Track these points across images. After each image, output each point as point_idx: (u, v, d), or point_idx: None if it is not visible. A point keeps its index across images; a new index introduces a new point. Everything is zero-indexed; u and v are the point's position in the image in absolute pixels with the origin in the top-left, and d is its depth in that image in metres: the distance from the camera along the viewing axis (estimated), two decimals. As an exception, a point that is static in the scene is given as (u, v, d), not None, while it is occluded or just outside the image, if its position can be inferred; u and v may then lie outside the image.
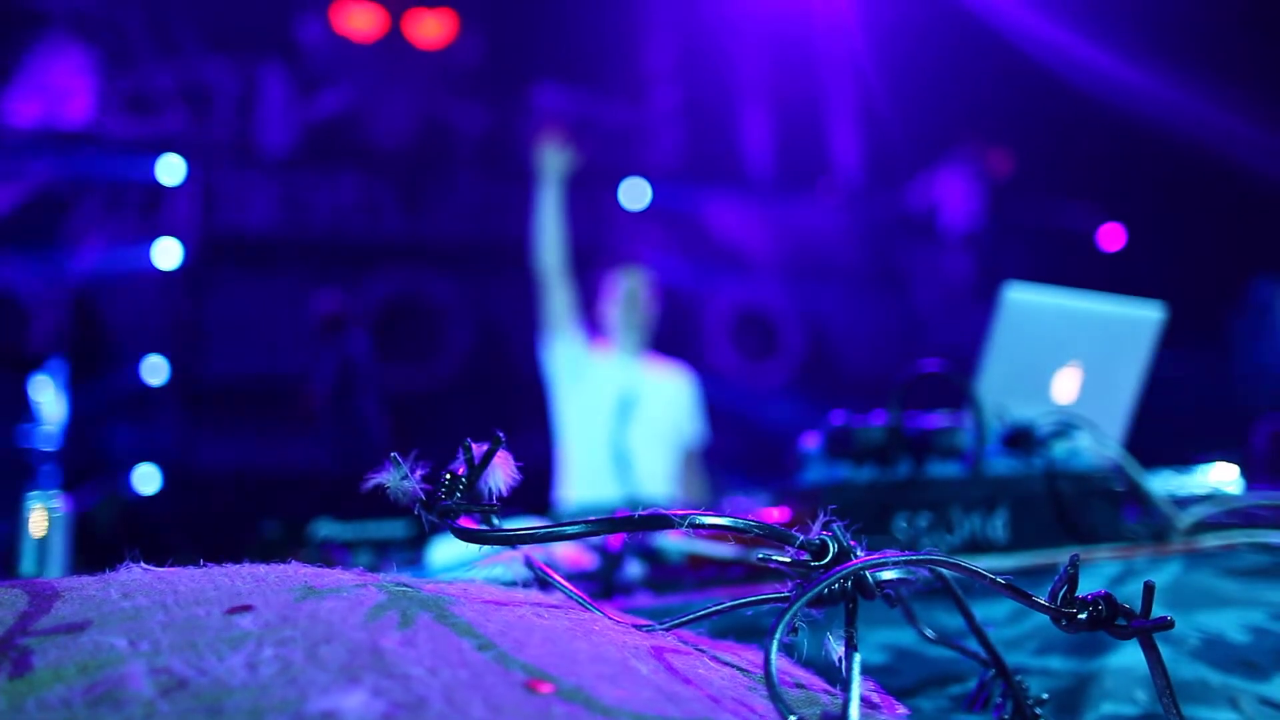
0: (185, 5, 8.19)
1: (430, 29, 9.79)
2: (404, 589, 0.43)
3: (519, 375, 8.52)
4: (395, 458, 0.49)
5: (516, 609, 0.46)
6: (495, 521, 0.52)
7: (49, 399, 4.62)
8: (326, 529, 1.30)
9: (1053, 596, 0.49)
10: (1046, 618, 0.69)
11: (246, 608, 0.40)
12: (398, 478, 0.48)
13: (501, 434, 0.50)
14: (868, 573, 0.45)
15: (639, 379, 3.03)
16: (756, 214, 9.62)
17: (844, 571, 0.43)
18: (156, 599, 0.42)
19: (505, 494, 0.50)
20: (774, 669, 0.41)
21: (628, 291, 3.10)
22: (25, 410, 6.89)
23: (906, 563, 0.44)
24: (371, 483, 0.49)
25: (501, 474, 0.50)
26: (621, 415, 2.93)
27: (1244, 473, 1.71)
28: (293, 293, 8.24)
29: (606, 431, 2.91)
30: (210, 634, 0.38)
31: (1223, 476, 1.67)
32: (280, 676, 0.36)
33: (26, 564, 1.21)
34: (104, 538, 2.32)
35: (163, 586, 0.44)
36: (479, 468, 0.48)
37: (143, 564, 0.49)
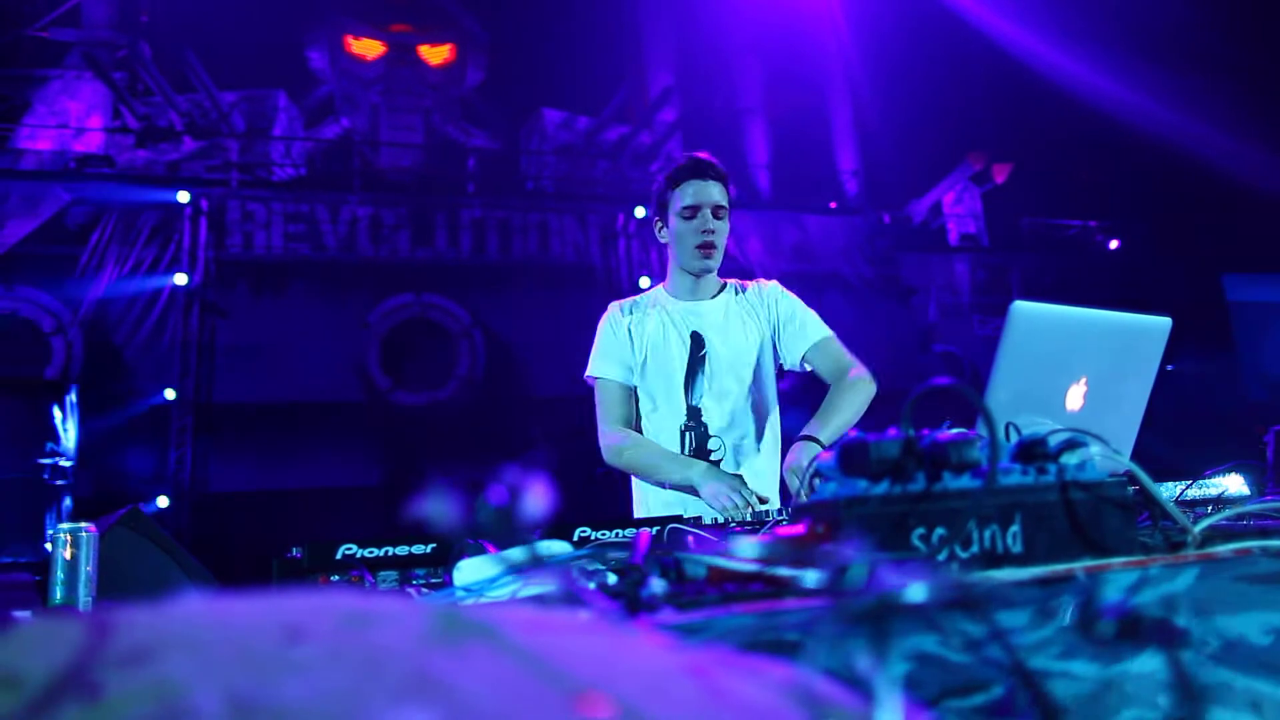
0: (196, 37, 8.31)
1: (435, 58, 9.89)
2: (450, 613, 0.45)
3: (528, 390, 8.55)
4: (437, 485, 0.51)
5: (558, 628, 0.47)
6: (530, 546, 0.54)
7: (67, 424, 4.65)
8: (349, 548, 1.32)
9: (1078, 611, 0.51)
10: (1068, 623, 0.70)
11: (303, 634, 0.42)
12: (439, 505, 0.50)
13: (539, 460, 0.53)
14: (896, 591, 0.47)
15: (705, 314, 2.42)
16: (761, 229, 9.66)
17: (873, 593, 0.45)
18: (215, 628, 0.44)
19: (540, 520, 0.52)
20: (805, 684, 0.43)
21: (687, 209, 2.34)
22: (44, 436, 6.93)
23: (932, 585, 0.45)
24: (414, 510, 0.51)
25: (535, 501, 0.52)
26: (690, 370, 2.36)
27: (1257, 479, 1.72)
28: (303, 314, 8.31)
29: (675, 399, 2.35)
30: (271, 660, 0.40)
31: (1235, 484, 1.68)
32: (340, 700, 0.38)
33: (58, 591, 1.23)
34: (128, 555, 2.34)
35: (220, 615, 0.46)
36: (517, 496, 0.50)
37: (195, 594, 0.51)
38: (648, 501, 2.42)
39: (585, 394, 2.51)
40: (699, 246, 2.36)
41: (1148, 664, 0.69)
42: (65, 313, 7.68)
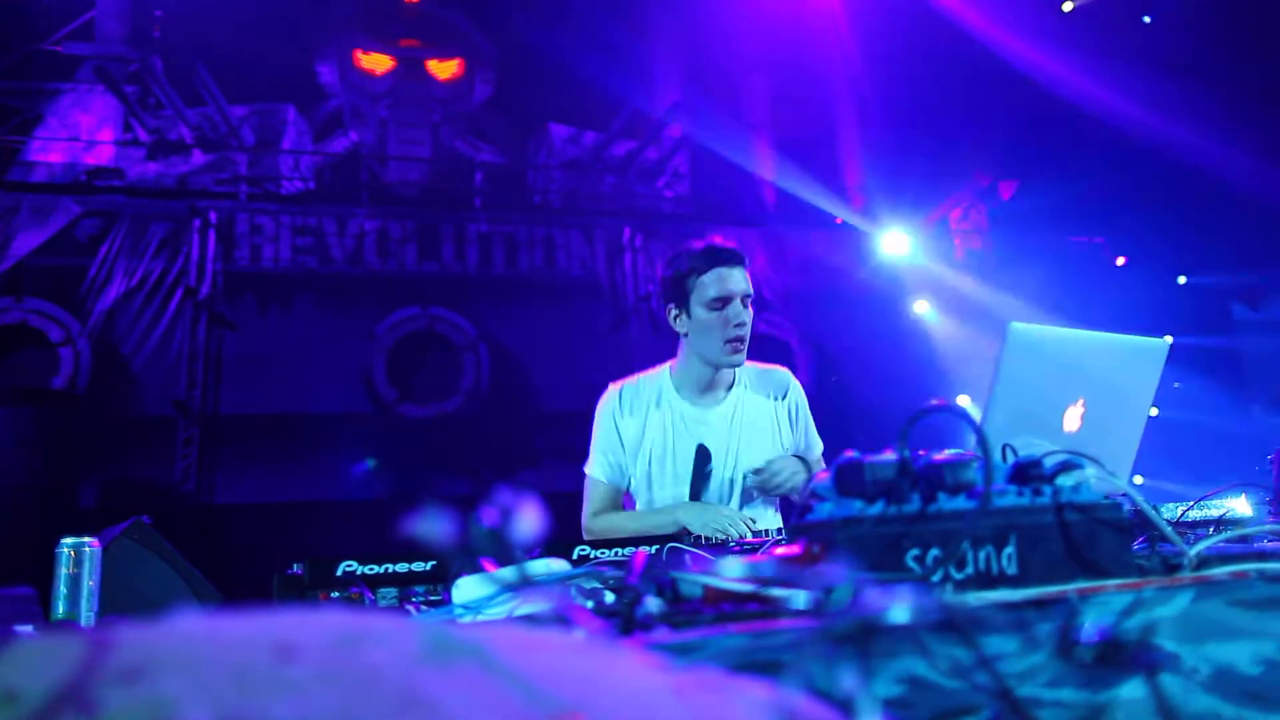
0: (207, 52, 8.40)
1: (443, 73, 9.96)
2: (442, 633, 0.46)
3: (533, 404, 8.56)
4: (431, 504, 0.52)
5: (547, 648, 0.48)
6: (521, 565, 0.55)
7: (77, 435, 4.69)
8: (349, 565, 1.32)
9: (1057, 634, 0.51)
10: (1057, 650, 0.71)
11: (295, 654, 0.43)
12: (433, 525, 0.51)
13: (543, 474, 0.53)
14: (879, 612, 0.47)
15: (713, 424, 2.30)
16: (767, 245, 9.68)
17: (856, 614, 0.46)
18: (210, 647, 0.45)
19: (532, 540, 0.53)
20: (789, 703, 0.43)
21: (716, 300, 2.20)
22: (52, 446, 6.95)
23: (914, 606, 0.46)
24: (408, 529, 0.52)
25: (529, 521, 0.53)
26: (694, 484, 2.26)
27: (1259, 501, 1.72)
28: (310, 327, 8.34)
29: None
30: (262, 680, 0.41)
31: (1234, 506, 1.68)
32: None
33: (60, 605, 1.24)
34: (131, 567, 2.36)
35: (214, 634, 0.47)
36: (509, 516, 0.51)
37: (193, 610, 0.52)
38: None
39: (590, 409, 2.49)
40: (729, 341, 2.20)
41: (1138, 690, 0.70)
42: (74, 324, 7.73)
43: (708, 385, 2.31)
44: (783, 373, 2.41)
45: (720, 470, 2.26)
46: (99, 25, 8.47)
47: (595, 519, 2.35)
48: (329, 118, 9.60)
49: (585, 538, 2.33)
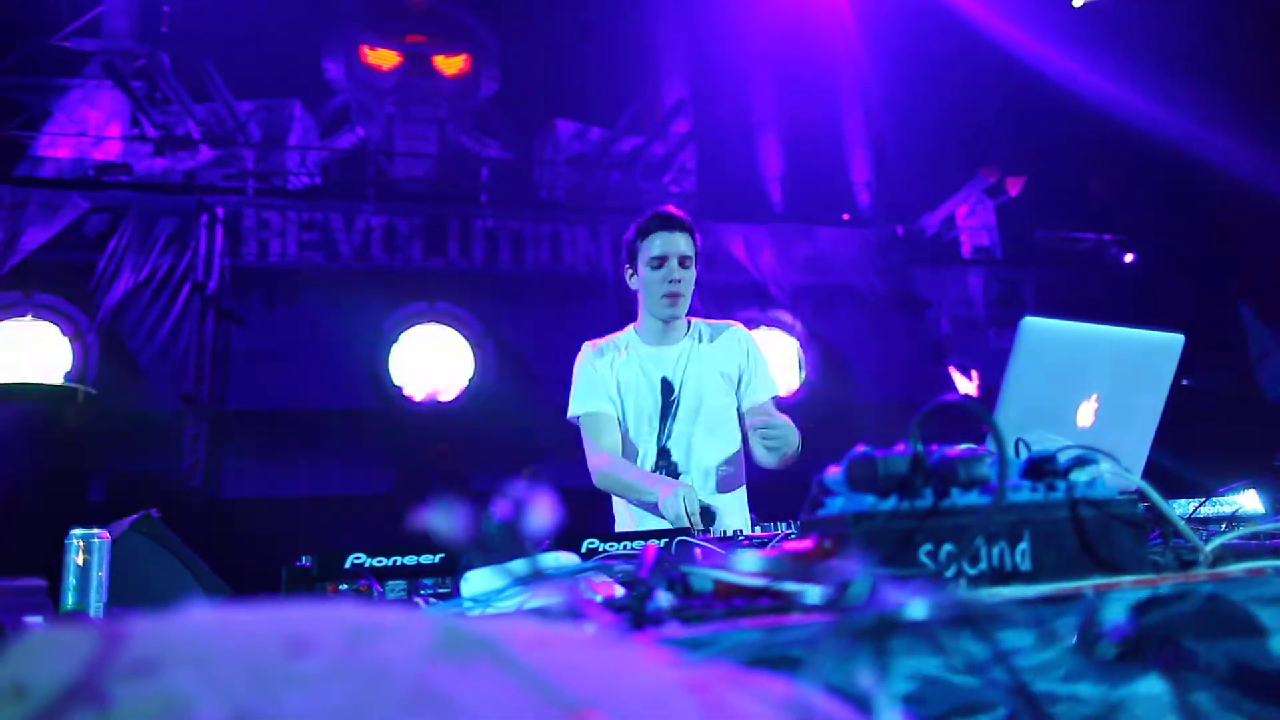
0: (214, 47, 8.40)
1: (450, 69, 9.94)
2: (455, 627, 0.46)
3: (539, 400, 8.56)
4: (443, 497, 0.52)
5: (560, 643, 0.48)
6: (534, 558, 0.55)
7: (82, 431, 4.70)
8: (357, 558, 1.32)
9: (1079, 630, 0.50)
10: (1073, 645, 0.70)
11: (308, 648, 0.43)
12: (445, 518, 0.50)
13: (540, 474, 0.53)
14: (897, 607, 0.47)
15: (672, 360, 2.56)
16: (773, 241, 9.65)
17: (873, 610, 0.45)
18: (222, 640, 0.45)
19: (547, 533, 0.52)
20: (807, 700, 0.43)
21: (655, 260, 2.51)
22: (58, 442, 6.97)
23: (934, 601, 0.45)
24: (420, 522, 0.52)
25: (543, 515, 0.52)
26: (662, 414, 2.51)
27: (1273, 497, 1.71)
28: (317, 322, 8.34)
29: (647, 441, 2.50)
30: (275, 674, 0.41)
31: (1249, 502, 1.67)
32: (343, 715, 0.38)
33: (70, 596, 1.24)
34: (141, 560, 2.37)
35: (227, 627, 0.46)
36: (522, 510, 0.50)
37: (204, 603, 0.51)
38: (622, 515, 2.53)
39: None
40: (665, 295, 2.51)
41: (1155, 686, 0.69)
42: (82, 318, 7.75)
43: (663, 333, 2.59)
44: (734, 327, 2.66)
45: (682, 400, 2.52)
46: (107, 21, 8.47)
47: (600, 453, 2.49)
48: (336, 113, 9.60)
49: (595, 481, 2.47)
